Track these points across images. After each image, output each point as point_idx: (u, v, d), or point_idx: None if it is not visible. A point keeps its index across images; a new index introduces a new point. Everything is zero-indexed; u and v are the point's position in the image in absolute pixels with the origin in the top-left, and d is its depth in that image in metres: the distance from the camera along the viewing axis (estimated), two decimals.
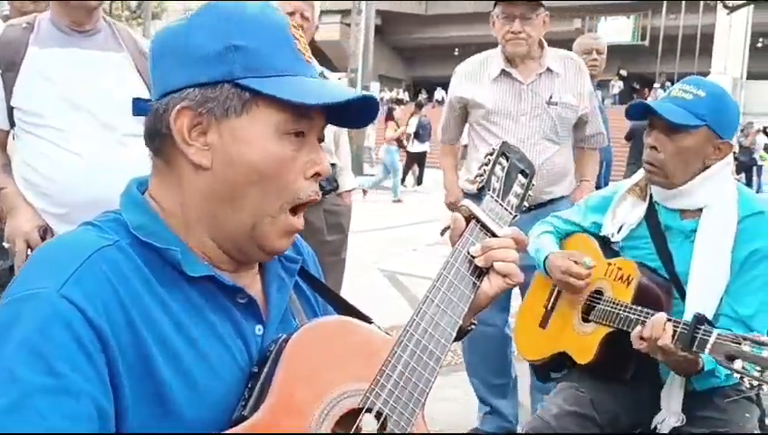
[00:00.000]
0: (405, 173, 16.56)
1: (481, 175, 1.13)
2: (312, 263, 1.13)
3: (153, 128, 0.89)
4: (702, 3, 27.78)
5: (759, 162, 16.77)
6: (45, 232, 2.01)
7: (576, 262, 1.99)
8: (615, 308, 1.87)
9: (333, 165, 2.89)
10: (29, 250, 1.98)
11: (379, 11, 25.73)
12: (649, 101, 1.91)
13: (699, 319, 1.63)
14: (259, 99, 0.86)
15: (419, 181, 16.23)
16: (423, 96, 22.60)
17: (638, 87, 33.68)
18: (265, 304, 0.97)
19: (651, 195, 1.99)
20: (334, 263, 2.95)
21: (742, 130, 17.76)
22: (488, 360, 3.02)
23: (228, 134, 0.86)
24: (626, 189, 2.04)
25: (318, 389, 0.86)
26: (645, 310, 1.78)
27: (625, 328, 1.80)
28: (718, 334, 1.58)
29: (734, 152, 14.98)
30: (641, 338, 1.71)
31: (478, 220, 1.07)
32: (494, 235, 1.07)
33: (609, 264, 2.00)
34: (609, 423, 1.93)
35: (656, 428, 1.84)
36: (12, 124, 2.08)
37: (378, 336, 0.96)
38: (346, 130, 3.12)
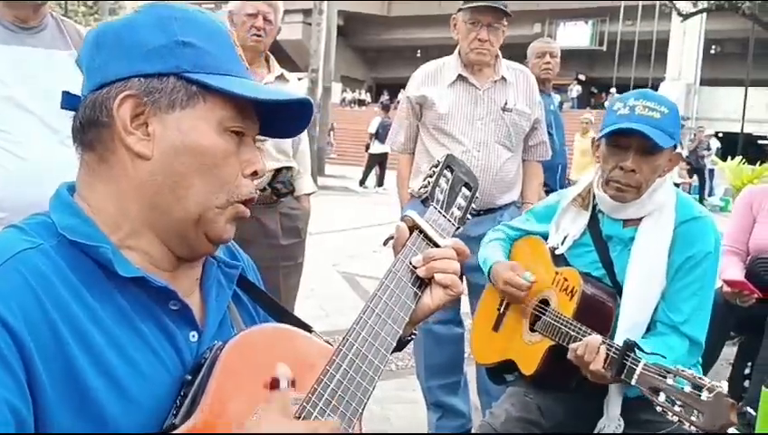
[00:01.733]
0: (366, 174, 16.58)
1: (425, 186, 1.15)
2: (250, 270, 1.12)
3: (89, 118, 0.88)
4: (657, 10, 28.38)
5: (710, 166, 17.20)
6: None
7: (518, 274, 2.03)
8: (557, 322, 1.89)
9: (291, 168, 2.87)
10: None
11: (341, 11, 25.68)
12: (629, 124, 1.83)
13: (629, 346, 1.65)
14: (206, 93, 0.88)
15: (380, 182, 16.26)
16: (385, 97, 22.61)
17: (595, 91, 34.29)
18: (203, 310, 0.95)
19: (595, 205, 2.02)
20: (290, 268, 2.91)
21: (694, 135, 18.23)
22: (439, 358, 3.03)
23: (172, 125, 0.87)
24: (568, 201, 2.06)
25: (253, 397, 0.85)
26: (584, 328, 1.80)
27: (564, 343, 1.82)
28: (644, 365, 1.61)
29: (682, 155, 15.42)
30: (576, 356, 1.74)
31: (421, 231, 1.08)
32: (436, 245, 1.07)
33: (557, 273, 2.01)
34: (554, 429, 1.95)
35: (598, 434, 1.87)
36: None
37: (316, 345, 0.96)
38: (306, 133, 3.09)
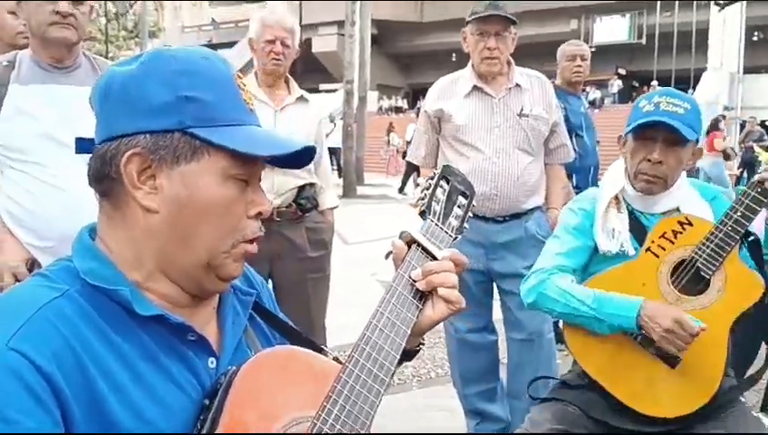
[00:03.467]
0: (405, 181, 16.63)
1: (422, 199, 1.16)
2: (266, 296, 1.18)
3: (101, 171, 0.93)
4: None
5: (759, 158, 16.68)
6: (32, 265, 2.07)
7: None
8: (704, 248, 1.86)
9: (313, 184, 2.99)
10: (16, 283, 2.04)
11: (374, 20, 25.83)
12: (660, 117, 1.90)
13: None
14: (210, 147, 0.92)
15: None
16: (421, 103, 22.65)
17: (636, 85, 33.70)
18: (220, 337, 1.01)
19: (627, 206, 2.04)
20: (319, 279, 3.04)
21: (742, 126, 17.66)
22: (474, 365, 3.06)
23: (178, 179, 0.91)
24: (605, 203, 2.04)
25: (268, 416, 0.90)
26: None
27: (735, 238, 1.84)
28: None
29: (732, 149, 14.96)
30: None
31: (419, 244, 1.11)
32: (434, 257, 1.10)
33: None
34: None
35: None
36: None
37: (327, 364, 1.01)
38: (326, 149, 3.20)
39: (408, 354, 1.12)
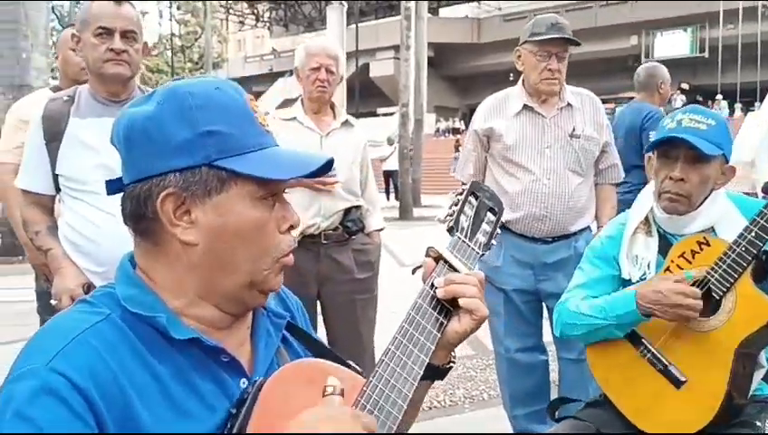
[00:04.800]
0: None
1: (450, 215, 1.18)
2: (300, 316, 1.21)
3: (136, 212, 0.96)
4: (760, 11, 26.96)
5: None
6: (89, 289, 2.17)
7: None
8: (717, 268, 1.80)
9: (359, 207, 3.04)
10: None
11: (431, 44, 26.03)
12: (679, 134, 1.88)
13: None
14: (236, 177, 0.95)
15: None
16: None
17: (700, 100, 32.83)
18: (253, 357, 1.05)
19: (659, 228, 2.00)
20: (367, 300, 3.08)
21: None
22: (523, 386, 3.03)
23: (211, 210, 0.95)
24: (632, 229, 2.03)
25: (294, 427, 0.92)
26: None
27: (748, 259, 1.78)
28: None
29: None
30: None
31: (446, 261, 1.12)
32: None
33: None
34: None
35: None
36: (57, 190, 2.27)
37: (351, 377, 1.03)
38: (372, 172, 3.23)
39: (439, 372, 1.14)
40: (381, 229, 3.20)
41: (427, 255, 1.15)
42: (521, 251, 2.95)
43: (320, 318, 3.10)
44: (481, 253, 1.17)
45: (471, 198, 1.20)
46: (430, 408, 3.80)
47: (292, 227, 1.03)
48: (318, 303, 3.06)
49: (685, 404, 1.82)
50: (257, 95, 37.85)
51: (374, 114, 35.28)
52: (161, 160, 0.94)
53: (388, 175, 19.93)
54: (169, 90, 0.98)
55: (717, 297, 1.81)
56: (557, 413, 2.14)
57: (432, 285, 1.10)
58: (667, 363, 1.84)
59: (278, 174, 0.97)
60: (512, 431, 3.12)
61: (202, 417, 0.95)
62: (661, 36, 35.04)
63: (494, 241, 1.20)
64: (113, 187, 1.02)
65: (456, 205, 1.19)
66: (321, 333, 3.10)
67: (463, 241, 1.16)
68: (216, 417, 0.96)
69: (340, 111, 3.10)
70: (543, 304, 3.01)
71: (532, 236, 2.91)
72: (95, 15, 2.22)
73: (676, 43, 34.49)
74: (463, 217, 1.18)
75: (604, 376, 1.98)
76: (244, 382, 1.01)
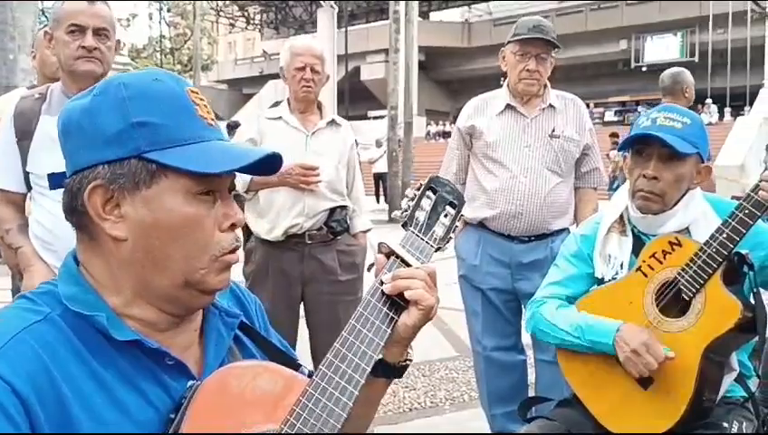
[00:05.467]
0: None
1: (405, 210, 1.16)
2: (257, 315, 1.18)
3: (71, 205, 0.94)
4: (749, 15, 27.15)
5: None
6: None
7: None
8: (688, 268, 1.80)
9: (345, 207, 3.01)
10: None
11: (422, 47, 26.01)
12: (653, 132, 1.89)
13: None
14: (167, 169, 0.92)
15: None
16: None
17: (690, 104, 33.01)
18: (203, 358, 1.01)
19: (633, 228, 2.00)
20: (350, 302, 3.01)
21: None
22: (501, 385, 3.04)
23: (141, 204, 0.92)
24: (606, 228, 2.03)
25: (229, 429, 0.91)
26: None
27: (718, 260, 1.77)
28: None
29: None
30: None
31: (398, 256, 1.10)
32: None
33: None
34: None
35: None
36: (29, 188, 2.25)
37: (296, 378, 1.00)
38: (359, 173, 3.21)
39: (395, 370, 1.12)
40: (368, 231, 3.16)
41: (379, 251, 1.13)
42: (498, 250, 2.96)
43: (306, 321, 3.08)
44: (437, 247, 1.15)
45: (429, 193, 1.18)
46: (411, 410, 3.80)
47: (234, 226, 0.99)
48: (302, 303, 3.04)
49: (652, 405, 1.82)
50: (248, 97, 37.81)
51: (365, 117, 35.25)
52: (92, 152, 0.92)
53: (379, 177, 19.89)
54: (106, 82, 0.96)
55: (687, 298, 1.80)
56: (530, 413, 2.14)
57: (381, 281, 1.08)
58: None
59: (209, 167, 0.92)
60: (489, 431, 3.12)
61: (149, 421, 0.92)
62: (651, 40, 35.23)
63: (452, 234, 1.19)
64: (56, 181, 1.00)
65: (411, 200, 1.17)
66: (304, 334, 3.09)
67: (417, 235, 1.14)
68: (161, 422, 0.94)
69: (327, 110, 3.09)
70: (521, 303, 3.02)
71: (509, 235, 2.93)
72: (68, 13, 2.21)
73: (666, 48, 34.66)
74: (419, 212, 1.16)
75: (575, 377, 1.98)
76: (191, 384, 0.97)
